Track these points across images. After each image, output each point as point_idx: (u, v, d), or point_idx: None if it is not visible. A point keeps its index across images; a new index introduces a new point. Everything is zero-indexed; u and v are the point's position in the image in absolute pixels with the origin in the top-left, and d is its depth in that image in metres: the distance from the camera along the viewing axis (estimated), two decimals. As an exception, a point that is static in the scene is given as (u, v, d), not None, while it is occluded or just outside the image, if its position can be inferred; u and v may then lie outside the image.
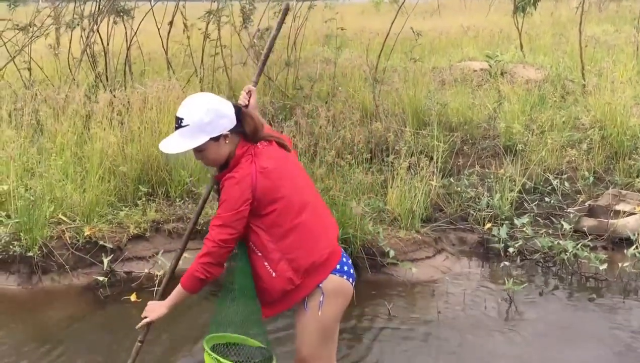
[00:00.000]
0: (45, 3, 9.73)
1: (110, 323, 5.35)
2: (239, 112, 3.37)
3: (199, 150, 3.29)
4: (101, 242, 6.03)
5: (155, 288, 5.67)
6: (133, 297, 5.56)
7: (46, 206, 6.07)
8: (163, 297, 3.60)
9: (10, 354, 4.82)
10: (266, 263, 3.34)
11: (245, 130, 3.35)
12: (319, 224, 3.51)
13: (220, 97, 3.37)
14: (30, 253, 5.79)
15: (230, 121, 3.30)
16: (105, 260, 5.86)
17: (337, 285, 3.47)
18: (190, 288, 3.38)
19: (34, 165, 6.73)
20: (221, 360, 3.36)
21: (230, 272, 3.60)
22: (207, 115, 3.23)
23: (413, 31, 9.50)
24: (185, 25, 9.53)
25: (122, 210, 6.49)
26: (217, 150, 3.30)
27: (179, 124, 3.24)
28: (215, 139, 3.26)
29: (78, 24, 9.30)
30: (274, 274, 3.35)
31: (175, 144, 3.26)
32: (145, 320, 3.53)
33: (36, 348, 4.92)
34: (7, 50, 9.21)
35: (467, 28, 18.54)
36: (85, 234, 6.01)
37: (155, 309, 3.52)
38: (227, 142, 3.30)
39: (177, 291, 3.43)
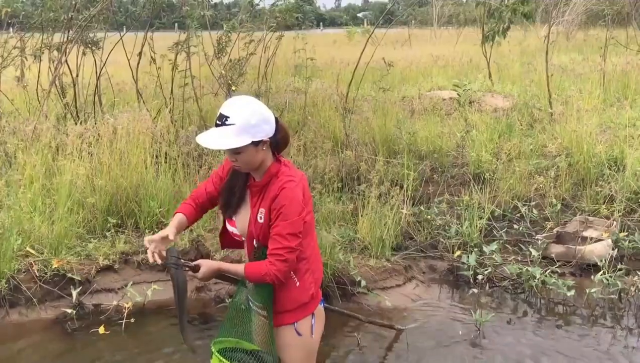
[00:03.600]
0: (14, 33, 9.70)
1: (78, 355, 5.30)
2: (276, 121, 3.35)
3: (236, 152, 3.24)
4: (69, 275, 5.97)
5: (124, 321, 5.65)
6: (101, 330, 5.52)
7: (14, 239, 6.00)
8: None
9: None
10: (292, 273, 3.33)
11: (279, 141, 3.35)
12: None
13: (263, 103, 3.35)
14: (-3, 287, 5.73)
15: (272, 129, 3.28)
16: (74, 293, 5.81)
17: (320, 309, 3.54)
18: (251, 280, 3.35)
19: (2, 197, 6.67)
20: None
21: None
22: (253, 117, 3.20)
23: (385, 62, 9.59)
24: (152, 58, 9.54)
25: (90, 242, 6.44)
26: (254, 155, 3.26)
27: (222, 121, 3.19)
28: (255, 144, 3.23)
29: (43, 52, 9.28)
30: (298, 284, 3.36)
31: (218, 140, 3.19)
32: (196, 262, 3.37)
33: (2, 384, 4.86)
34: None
35: (437, 57, 18.80)
36: (54, 267, 5.95)
37: (207, 263, 3.39)
38: (264, 148, 3.28)
39: (238, 270, 3.37)
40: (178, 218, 3.53)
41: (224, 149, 3.22)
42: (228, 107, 3.22)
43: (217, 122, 3.21)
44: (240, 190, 3.45)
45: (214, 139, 3.21)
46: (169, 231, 3.40)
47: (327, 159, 8.38)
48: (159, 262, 3.33)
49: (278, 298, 3.38)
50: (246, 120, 3.17)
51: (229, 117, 3.18)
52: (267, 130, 3.25)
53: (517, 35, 23.70)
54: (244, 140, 3.17)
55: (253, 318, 3.49)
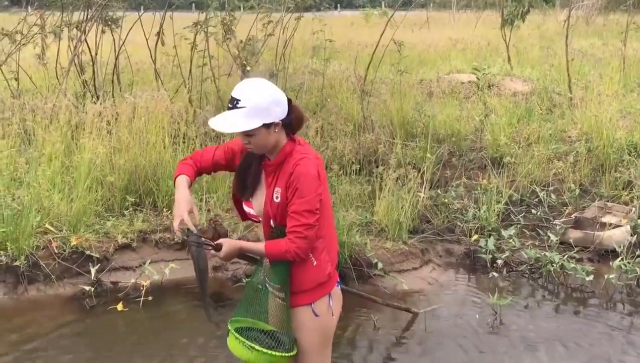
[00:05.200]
0: (33, 11, 9.71)
1: (95, 332, 5.34)
2: (290, 103, 3.34)
3: (248, 135, 3.24)
4: (88, 252, 6.01)
5: (142, 298, 5.68)
6: (119, 307, 5.56)
7: (33, 216, 6.04)
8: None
9: (-5, 364, 4.81)
10: (309, 252, 3.33)
11: (292, 121, 3.33)
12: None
13: (275, 86, 3.33)
14: (16, 263, 5.76)
15: (283, 111, 3.27)
16: (92, 270, 5.84)
17: (337, 290, 3.52)
18: (271, 257, 3.34)
19: (22, 174, 6.71)
20: (254, 345, 3.30)
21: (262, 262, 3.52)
22: (264, 100, 3.19)
23: (395, 43, 9.54)
24: (162, 40, 9.55)
25: (109, 220, 6.47)
26: (266, 137, 3.25)
27: (234, 104, 3.19)
28: (267, 126, 3.22)
29: (62, 30, 9.29)
30: (315, 263, 3.34)
31: (229, 123, 3.20)
32: (218, 241, 3.35)
33: (21, 358, 4.90)
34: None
35: (456, 41, 18.67)
36: (72, 244, 5.98)
37: (229, 242, 3.38)
38: (276, 131, 3.26)
39: (258, 249, 3.37)
40: (187, 181, 3.48)
41: (234, 132, 3.21)
42: (239, 90, 3.22)
43: (229, 105, 3.21)
44: (256, 170, 3.44)
45: (225, 122, 3.22)
46: (192, 205, 3.39)
47: (345, 141, 8.35)
48: (178, 233, 3.33)
49: (295, 278, 3.37)
50: (257, 103, 3.17)
51: (239, 100, 3.18)
52: (278, 113, 3.24)
53: (536, 19, 23.47)
54: (254, 123, 3.17)
55: (269, 299, 3.50)
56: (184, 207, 3.35)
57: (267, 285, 3.50)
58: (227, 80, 10.54)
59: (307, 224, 3.23)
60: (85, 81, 9.34)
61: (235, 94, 3.20)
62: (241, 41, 9.80)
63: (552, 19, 24.72)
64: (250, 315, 3.53)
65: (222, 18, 9.64)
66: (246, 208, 3.51)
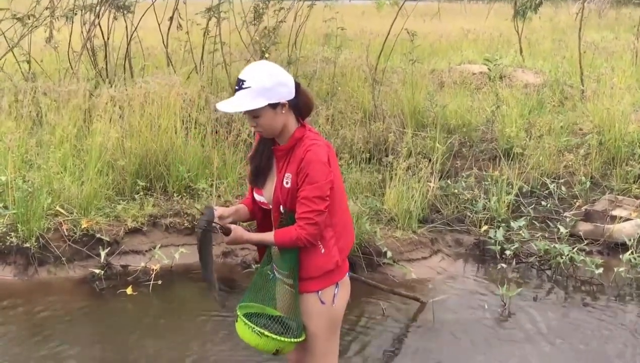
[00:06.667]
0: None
1: (105, 315, 5.37)
2: (298, 86, 3.34)
3: (255, 116, 3.26)
4: (98, 235, 6.04)
5: (152, 282, 5.71)
6: (129, 290, 5.59)
7: (44, 198, 6.07)
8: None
9: (5, 345, 4.83)
10: (317, 240, 3.33)
11: (300, 104, 3.33)
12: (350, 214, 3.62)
13: (281, 68, 3.33)
14: (27, 245, 5.80)
15: (289, 92, 3.28)
16: (102, 253, 5.86)
17: (345, 280, 3.51)
18: (282, 245, 3.35)
19: (33, 157, 6.72)
20: (263, 330, 3.30)
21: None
22: (269, 80, 3.21)
23: (408, 32, 9.51)
24: (179, 24, 9.55)
25: (119, 204, 6.49)
26: (273, 118, 3.26)
27: (239, 86, 3.22)
28: (273, 107, 3.23)
29: (75, 14, 9.30)
30: (323, 251, 3.34)
31: (234, 104, 3.24)
32: (228, 226, 3.34)
33: (31, 339, 4.93)
34: (7, 40, 9.19)
35: (467, 31, 18.60)
36: (83, 227, 6.01)
37: (238, 230, 3.37)
38: (283, 112, 3.27)
39: (267, 239, 3.37)
40: (237, 206, 3.55)
41: (239, 111, 3.24)
42: (245, 71, 3.25)
43: (235, 87, 3.24)
44: (267, 156, 3.44)
45: (230, 103, 3.25)
46: (222, 209, 3.42)
47: (356, 130, 8.35)
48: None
49: (303, 265, 3.38)
50: (261, 83, 3.19)
51: (245, 81, 3.21)
52: (283, 93, 3.25)
53: (548, 12, 23.40)
54: (259, 103, 3.19)
55: (277, 286, 3.51)
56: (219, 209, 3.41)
57: (275, 272, 3.51)
58: (239, 66, 10.53)
59: (318, 210, 3.23)
60: (100, 68, 9.34)
61: (241, 75, 3.23)
62: (265, 27, 9.81)
63: (564, 11, 24.62)
64: (258, 301, 3.54)
65: (256, 4, 9.65)
66: (257, 196, 3.51)
